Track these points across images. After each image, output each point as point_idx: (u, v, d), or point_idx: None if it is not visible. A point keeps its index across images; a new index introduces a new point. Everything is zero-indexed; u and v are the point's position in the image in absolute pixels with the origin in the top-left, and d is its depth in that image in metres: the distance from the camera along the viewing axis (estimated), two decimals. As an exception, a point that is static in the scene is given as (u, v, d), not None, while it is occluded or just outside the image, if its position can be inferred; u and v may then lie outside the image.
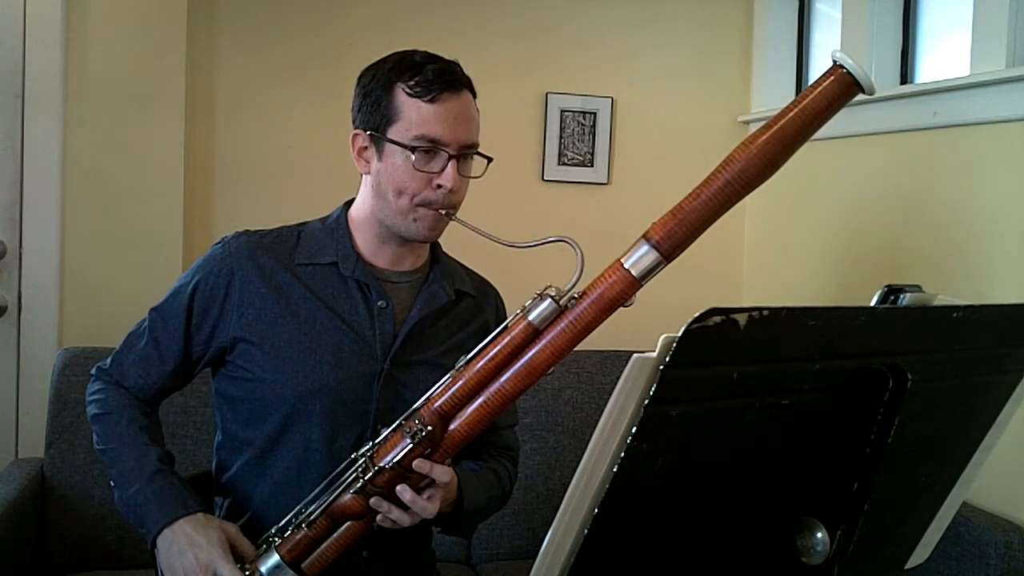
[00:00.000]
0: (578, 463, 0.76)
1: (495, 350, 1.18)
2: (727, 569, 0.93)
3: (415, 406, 1.23)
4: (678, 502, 0.84)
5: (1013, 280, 1.89)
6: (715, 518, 0.89)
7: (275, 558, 1.27)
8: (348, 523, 1.27)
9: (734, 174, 1.03)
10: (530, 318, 1.15)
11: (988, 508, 1.86)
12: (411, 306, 1.44)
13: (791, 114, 1.02)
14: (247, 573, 1.27)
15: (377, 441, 1.25)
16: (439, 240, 1.49)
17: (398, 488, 1.22)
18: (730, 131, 2.87)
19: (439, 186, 1.34)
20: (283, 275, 1.41)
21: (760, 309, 0.74)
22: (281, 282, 1.41)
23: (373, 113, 1.36)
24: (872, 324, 0.86)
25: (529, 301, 1.16)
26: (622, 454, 0.74)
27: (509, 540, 2.32)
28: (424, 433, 1.20)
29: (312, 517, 1.27)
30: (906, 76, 2.35)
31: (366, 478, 1.23)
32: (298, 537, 1.27)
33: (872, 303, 0.93)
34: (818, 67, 2.79)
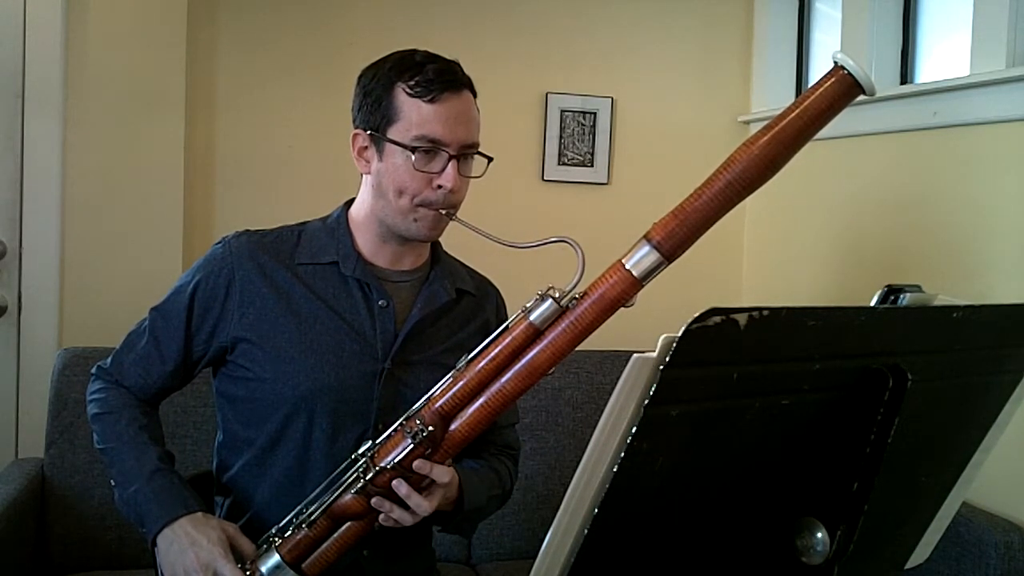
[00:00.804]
0: (578, 463, 0.76)
1: (496, 350, 1.18)
2: (727, 569, 0.93)
3: (416, 406, 1.23)
4: (678, 502, 0.84)
5: (1013, 280, 1.89)
6: (715, 518, 0.89)
7: (275, 558, 1.27)
8: (349, 523, 1.27)
9: (735, 175, 1.03)
10: (531, 318, 1.15)
11: (988, 508, 1.86)
12: (412, 305, 1.44)
13: (792, 115, 1.02)
14: (247, 573, 1.27)
15: (378, 441, 1.25)
16: (440, 239, 1.49)
17: (394, 483, 1.22)
18: (730, 131, 2.87)
19: (439, 186, 1.34)
20: (284, 275, 1.41)
21: (760, 309, 0.74)
22: (282, 282, 1.41)
23: (373, 113, 1.36)
24: (872, 324, 0.86)
25: (530, 301, 1.16)
26: (622, 454, 0.74)
27: (509, 540, 2.32)
28: (425, 433, 1.20)
29: (313, 517, 1.27)
30: (906, 76, 2.35)
31: (367, 478, 1.23)
32: (299, 537, 1.27)
33: (872, 303, 0.93)
34: (818, 67, 2.79)
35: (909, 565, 1.11)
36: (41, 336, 2.31)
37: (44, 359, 2.25)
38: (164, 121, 2.40)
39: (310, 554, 1.28)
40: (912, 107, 2.16)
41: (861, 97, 1.02)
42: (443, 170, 1.33)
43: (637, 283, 1.09)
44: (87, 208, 2.34)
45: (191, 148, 2.47)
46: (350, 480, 1.25)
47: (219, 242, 1.45)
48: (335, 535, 1.27)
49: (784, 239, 2.70)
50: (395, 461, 1.22)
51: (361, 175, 1.44)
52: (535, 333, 1.15)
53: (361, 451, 1.26)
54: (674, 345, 0.71)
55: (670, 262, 1.09)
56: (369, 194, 1.42)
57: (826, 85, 1.01)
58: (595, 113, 2.77)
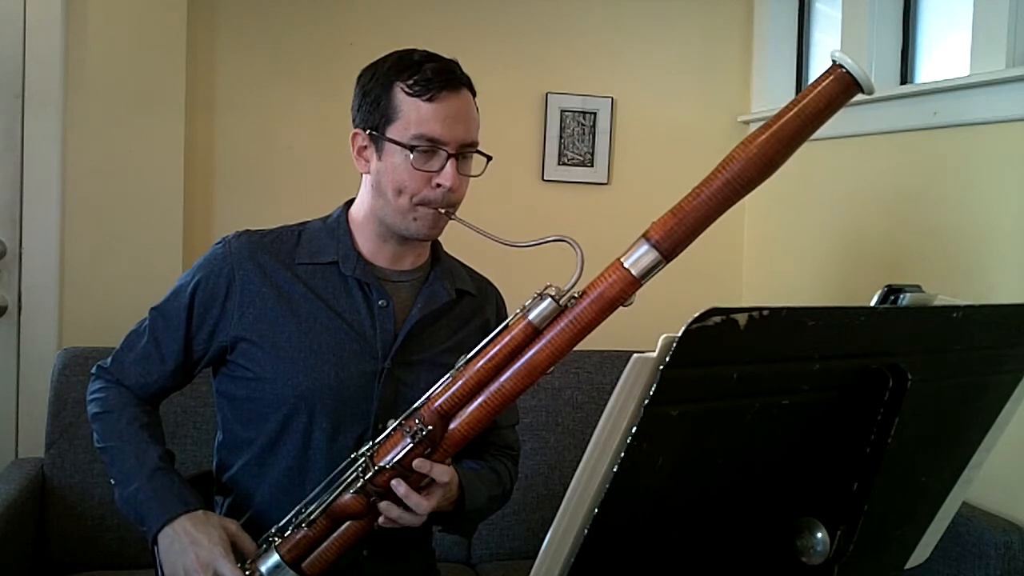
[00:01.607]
0: (578, 463, 0.76)
1: (495, 350, 1.18)
2: (727, 569, 0.93)
3: (415, 405, 1.23)
4: (678, 502, 0.84)
5: (1013, 280, 1.89)
6: (715, 518, 0.89)
7: (275, 558, 1.27)
8: (348, 523, 1.27)
9: (733, 174, 1.03)
10: (530, 317, 1.15)
11: (988, 508, 1.86)
12: (412, 305, 1.44)
13: (790, 114, 1.02)
14: (247, 572, 1.27)
15: (377, 441, 1.25)
16: (440, 239, 1.49)
17: (393, 482, 1.22)
18: (730, 131, 2.87)
19: (438, 185, 1.34)
20: (284, 274, 1.41)
21: (760, 309, 0.74)
22: (282, 281, 1.41)
23: (372, 112, 1.36)
24: (872, 324, 0.86)
25: (529, 300, 1.16)
26: (622, 454, 0.74)
27: (509, 540, 2.32)
28: (424, 432, 1.20)
29: (312, 517, 1.27)
30: (906, 76, 2.35)
31: (366, 478, 1.23)
32: (298, 537, 1.27)
33: (872, 303, 0.93)
34: (818, 67, 2.79)
35: (909, 565, 1.11)
36: (41, 336, 2.31)
37: (44, 359, 2.25)
38: (164, 121, 2.40)
39: (310, 554, 1.28)
40: (912, 107, 2.16)
41: (861, 97, 1.02)
42: (442, 169, 1.33)
43: (636, 282, 1.09)
44: (87, 208, 2.34)
45: (191, 148, 2.47)
46: (349, 479, 1.25)
47: (219, 242, 1.45)
48: (335, 535, 1.27)
49: (784, 239, 2.70)
50: (394, 460, 1.22)
51: (361, 175, 1.44)
52: (534, 332, 1.15)
53: (361, 451, 1.26)
54: (674, 345, 0.71)
55: (669, 261, 1.09)
56: (369, 194, 1.42)
57: (824, 84, 1.01)
58: (595, 113, 2.77)
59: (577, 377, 2.41)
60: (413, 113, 1.33)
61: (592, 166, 2.79)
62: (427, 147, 1.33)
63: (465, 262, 1.58)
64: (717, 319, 0.72)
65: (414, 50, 1.38)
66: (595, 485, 0.76)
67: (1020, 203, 1.89)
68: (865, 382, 0.86)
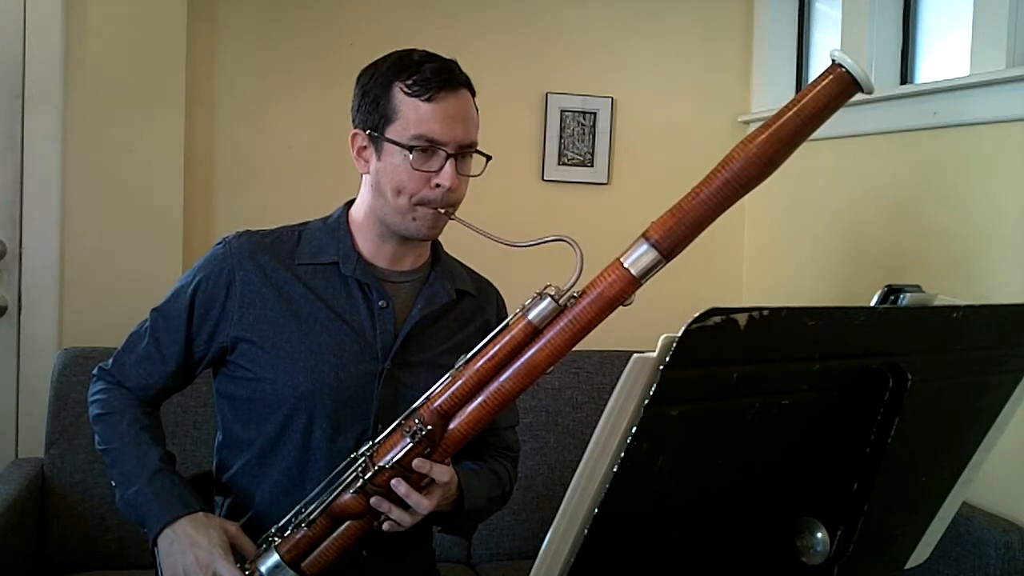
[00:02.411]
0: (578, 463, 0.76)
1: (495, 349, 1.18)
2: (727, 569, 0.93)
3: (415, 405, 1.23)
4: (678, 502, 0.84)
5: (1013, 280, 1.89)
6: (715, 518, 0.89)
7: (275, 558, 1.27)
8: (348, 523, 1.27)
9: (733, 173, 1.03)
10: (529, 317, 1.15)
11: (988, 508, 1.86)
12: (412, 306, 1.44)
13: (790, 113, 1.02)
14: (247, 573, 1.27)
15: (377, 440, 1.25)
16: (440, 239, 1.49)
17: (393, 482, 1.22)
18: (730, 131, 2.87)
19: (437, 185, 1.34)
20: (284, 275, 1.41)
21: (760, 309, 0.74)
22: (282, 282, 1.41)
23: (372, 112, 1.36)
24: (872, 324, 0.86)
25: (529, 300, 1.16)
26: (622, 454, 0.74)
27: (509, 540, 2.32)
28: (424, 432, 1.20)
29: (312, 517, 1.27)
30: (906, 76, 2.35)
31: (366, 477, 1.23)
32: (298, 537, 1.27)
33: (872, 303, 0.93)
34: (818, 67, 2.79)
35: (909, 565, 1.11)
36: (41, 336, 2.31)
37: (44, 359, 2.25)
38: (164, 121, 2.40)
39: (309, 554, 1.28)
40: (912, 107, 2.16)
41: (861, 97, 1.02)
42: (441, 169, 1.33)
43: (635, 281, 1.09)
44: (87, 208, 2.34)
45: (191, 148, 2.47)
46: (349, 479, 1.25)
47: (220, 242, 1.45)
48: (334, 535, 1.27)
49: (784, 239, 2.70)
50: (394, 460, 1.22)
51: (361, 175, 1.44)
52: (534, 332, 1.15)
53: (360, 450, 1.26)
54: (674, 345, 0.71)
55: (668, 260, 1.09)
56: (368, 194, 1.42)
57: (824, 83, 1.01)
58: (595, 113, 2.77)
59: (577, 377, 2.41)
60: (412, 113, 1.33)
61: (592, 166, 2.79)
62: (426, 147, 1.33)
63: (465, 262, 1.58)
64: (717, 319, 0.72)
65: (413, 50, 1.38)
66: (595, 485, 0.76)
67: (1020, 203, 1.89)
68: (865, 382, 0.86)
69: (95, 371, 1.50)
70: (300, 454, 1.40)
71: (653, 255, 1.08)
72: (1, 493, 1.97)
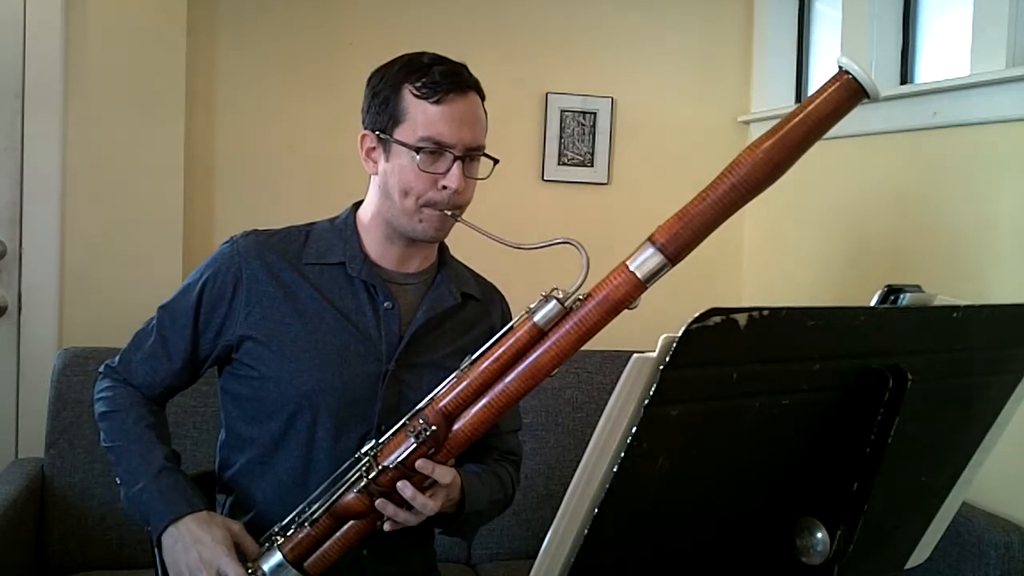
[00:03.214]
0: (578, 463, 0.76)
1: (500, 351, 1.18)
2: (727, 569, 0.93)
3: (419, 406, 1.23)
4: (678, 502, 0.84)
5: (1013, 280, 1.89)
6: (715, 518, 0.89)
7: (278, 557, 1.27)
8: (351, 522, 1.27)
9: (740, 178, 1.04)
10: (535, 319, 1.15)
11: (988, 508, 1.86)
12: (417, 308, 1.44)
13: (797, 119, 1.03)
14: (250, 571, 1.27)
15: (381, 440, 1.26)
16: (447, 243, 1.49)
17: (398, 484, 1.22)
18: (730, 131, 2.87)
19: (444, 187, 1.34)
20: (290, 274, 1.41)
21: (760, 309, 0.74)
22: (288, 281, 1.41)
23: (381, 114, 1.37)
24: (872, 324, 0.86)
25: (534, 302, 1.16)
26: (622, 454, 0.74)
27: (509, 540, 2.32)
28: (428, 433, 1.20)
29: (315, 516, 1.27)
30: (906, 76, 2.35)
31: (369, 477, 1.23)
32: (301, 536, 1.28)
33: (872, 303, 0.93)
34: (818, 67, 2.79)
35: (909, 565, 1.11)
36: (41, 336, 2.31)
37: (44, 359, 2.25)
38: (164, 121, 2.40)
39: (312, 553, 1.28)
40: (912, 107, 2.16)
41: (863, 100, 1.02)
42: (448, 171, 1.34)
43: (641, 285, 1.09)
44: (87, 208, 2.34)
45: (191, 148, 2.47)
46: (353, 479, 1.25)
47: (227, 241, 1.46)
48: (337, 534, 1.27)
49: (784, 239, 2.70)
50: (398, 460, 1.22)
51: (369, 176, 1.44)
52: (539, 334, 1.16)
53: (364, 450, 1.26)
54: (674, 345, 0.71)
55: (674, 264, 1.09)
56: (376, 195, 1.42)
57: (831, 90, 1.02)
58: (595, 113, 2.77)
59: (577, 377, 2.41)
60: (420, 115, 1.33)
61: (592, 166, 2.79)
62: (433, 149, 1.33)
63: (469, 263, 1.58)
64: (717, 319, 0.72)
65: (424, 53, 1.39)
66: (595, 485, 0.76)
67: (1020, 203, 1.89)
68: (865, 382, 0.86)
69: (101, 368, 1.50)
70: (303, 453, 1.40)
71: (659, 259, 1.08)
72: (1, 493, 1.97)
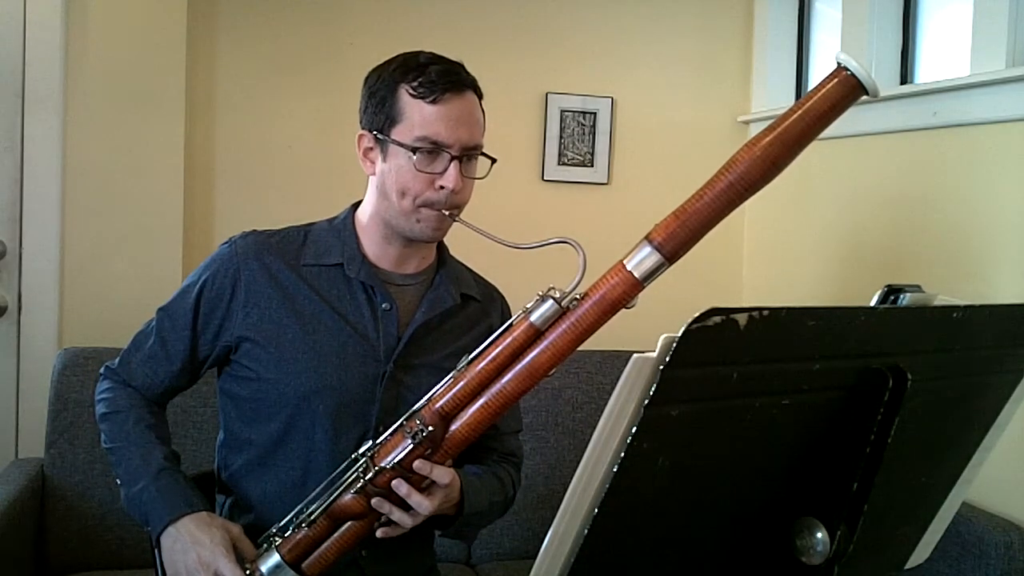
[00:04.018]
0: (578, 463, 0.76)
1: (497, 351, 1.18)
2: (727, 569, 0.93)
3: (416, 406, 1.23)
4: (678, 502, 0.84)
5: (1013, 280, 1.89)
6: (715, 518, 0.89)
7: (276, 558, 1.27)
8: (349, 523, 1.27)
9: (737, 176, 1.03)
10: (532, 319, 1.15)
11: (988, 508, 1.86)
12: (416, 308, 1.44)
13: (795, 116, 1.02)
14: (248, 572, 1.27)
15: (378, 441, 1.25)
16: (446, 243, 1.48)
17: (394, 483, 1.22)
18: (730, 131, 2.87)
19: (441, 187, 1.34)
20: (288, 275, 1.41)
21: (760, 309, 0.74)
22: (286, 282, 1.41)
23: (378, 114, 1.37)
24: (872, 324, 0.86)
25: (531, 302, 1.16)
26: (622, 454, 0.74)
27: (509, 540, 2.32)
28: (425, 433, 1.20)
29: (313, 517, 1.27)
30: (906, 76, 2.35)
31: (367, 478, 1.23)
32: (299, 537, 1.27)
33: (872, 303, 0.93)
34: (818, 67, 2.79)
35: (909, 565, 1.11)
36: (41, 336, 2.31)
37: (44, 359, 2.25)
38: (164, 121, 2.40)
39: (310, 554, 1.28)
40: (912, 107, 2.16)
41: (862, 97, 1.02)
42: (445, 171, 1.33)
43: (638, 284, 1.09)
44: (87, 208, 2.34)
45: (191, 148, 2.47)
46: (350, 480, 1.25)
47: (226, 242, 1.46)
48: (335, 535, 1.27)
49: (784, 239, 2.70)
50: (395, 461, 1.22)
51: (367, 176, 1.44)
52: (536, 334, 1.15)
53: (361, 451, 1.26)
54: (674, 345, 0.71)
55: (671, 263, 1.09)
56: (374, 195, 1.42)
57: (829, 86, 1.01)
58: (595, 113, 2.77)
59: (577, 377, 2.41)
60: (417, 115, 1.33)
61: (592, 166, 2.79)
62: (430, 149, 1.33)
63: (467, 263, 1.58)
64: (717, 319, 0.72)
65: (420, 52, 1.38)
66: (595, 485, 0.76)
67: (1020, 203, 1.89)
68: (865, 382, 0.86)
69: (102, 370, 1.50)
70: (302, 454, 1.40)
71: (656, 258, 1.08)
72: (1, 493, 1.97)
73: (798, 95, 2.79)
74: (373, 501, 1.24)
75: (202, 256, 1.50)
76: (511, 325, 1.18)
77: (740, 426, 0.82)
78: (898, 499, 0.98)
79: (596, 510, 0.76)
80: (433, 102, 1.33)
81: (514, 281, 1.64)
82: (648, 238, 1.08)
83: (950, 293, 0.98)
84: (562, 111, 2.75)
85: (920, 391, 0.86)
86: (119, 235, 2.37)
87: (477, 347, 1.22)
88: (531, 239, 1.25)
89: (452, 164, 1.33)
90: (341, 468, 1.29)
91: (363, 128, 1.41)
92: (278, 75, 2.56)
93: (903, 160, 2.23)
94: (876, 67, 2.34)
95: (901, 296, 0.92)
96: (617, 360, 2.40)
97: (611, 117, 2.78)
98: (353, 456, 1.27)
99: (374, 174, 1.41)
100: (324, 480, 1.33)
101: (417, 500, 1.23)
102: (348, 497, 1.25)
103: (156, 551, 1.34)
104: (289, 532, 1.29)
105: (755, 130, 2.79)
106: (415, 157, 1.33)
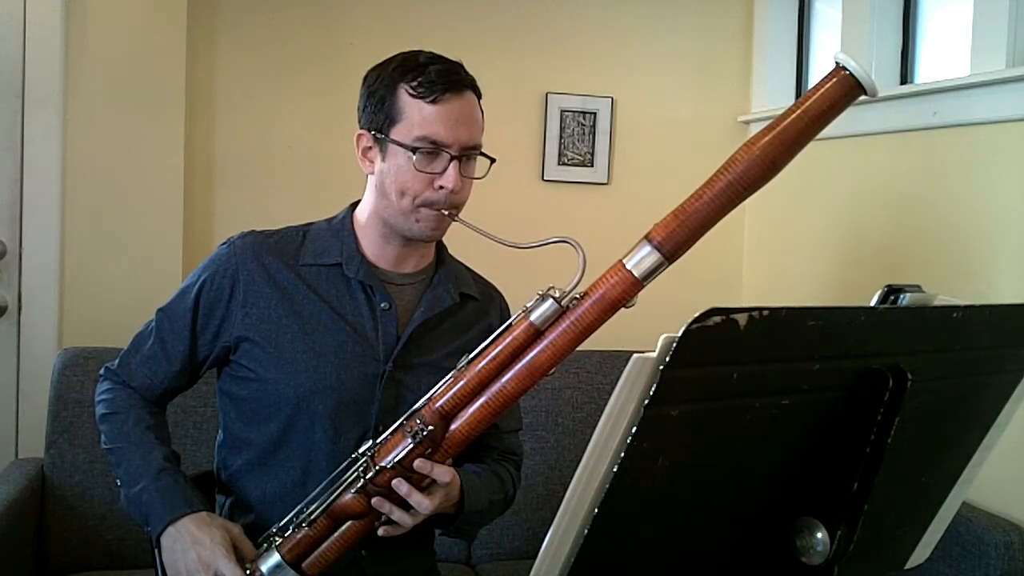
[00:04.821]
0: (578, 463, 0.76)
1: (497, 350, 1.18)
2: (727, 569, 0.93)
3: (416, 406, 1.23)
4: (678, 502, 0.84)
5: (1013, 280, 1.89)
6: (715, 518, 0.89)
7: (276, 557, 1.27)
8: (349, 523, 1.27)
9: (736, 175, 1.03)
10: (532, 318, 1.15)
11: (988, 508, 1.86)
12: (415, 308, 1.44)
13: (793, 116, 1.02)
14: (248, 572, 1.27)
15: (378, 441, 1.25)
16: (446, 243, 1.48)
17: (394, 482, 1.22)
18: (730, 131, 2.87)
19: (441, 187, 1.34)
20: (287, 275, 1.41)
21: (760, 309, 0.74)
22: (285, 282, 1.41)
23: (377, 113, 1.37)
24: (872, 324, 0.86)
25: (531, 301, 1.16)
26: (622, 454, 0.74)
27: (509, 540, 2.32)
28: (425, 432, 1.20)
29: (313, 516, 1.27)
30: (906, 76, 2.35)
31: (367, 477, 1.23)
32: (299, 536, 1.27)
33: (872, 303, 0.93)
34: (818, 67, 2.79)
35: (909, 565, 1.11)
36: (41, 336, 2.31)
37: (44, 359, 2.25)
38: (164, 121, 2.40)
39: (310, 554, 1.28)
40: (912, 107, 2.16)
41: (861, 97, 1.02)
42: (444, 171, 1.33)
43: (638, 283, 1.09)
44: (87, 208, 2.34)
45: (191, 148, 2.47)
46: (350, 479, 1.25)
47: (225, 243, 1.46)
48: (335, 535, 1.27)
49: (784, 239, 2.70)
50: (395, 460, 1.22)
51: (366, 176, 1.44)
52: (535, 333, 1.15)
53: (361, 450, 1.26)
54: (674, 345, 0.71)
55: (671, 263, 1.09)
56: (373, 194, 1.42)
57: (827, 86, 1.01)
58: (595, 113, 2.77)
59: (577, 377, 2.41)
60: (416, 115, 1.33)
61: (592, 166, 2.79)
62: (430, 149, 1.33)
63: (466, 263, 1.58)
64: (717, 319, 0.72)
65: (420, 51, 1.38)
66: (595, 485, 0.76)
67: (1020, 203, 1.89)
68: (865, 382, 0.86)
69: (102, 371, 1.50)
70: (302, 454, 1.40)
71: (656, 257, 1.08)
72: (1, 493, 1.97)
73: (798, 95, 2.79)
74: (373, 500, 1.23)
75: (202, 256, 1.50)
76: (511, 324, 1.18)
77: (740, 426, 0.82)
78: (898, 499, 0.98)
79: (596, 510, 0.76)
80: (433, 102, 1.33)
81: (514, 281, 1.64)
82: (647, 237, 1.08)
83: (950, 293, 0.98)
84: (562, 111, 2.75)
85: (920, 391, 0.86)
86: (119, 235, 2.37)
87: (476, 346, 1.22)
88: (531, 239, 1.25)
89: (451, 164, 1.33)
90: (341, 468, 1.29)
91: (362, 127, 1.41)
92: (278, 75, 2.56)
93: (903, 160, 2.23)
94: (876, 67, 2.34)
95: (901, 296, 0.92)
96: (617, 360, 2.40)
97: (611, 117, 2.78)
98: (353, 456, 1.27)
99: (373, 173, 1.41)
100: (324, 480, 1.33)
101: (417, 499, 1.23)
102: (348, 497, 1.25)
103: (156, 551, 1.34)
104: (289, 532, 1.29)
105: (755, 130, 2.79)
106: (415, 157, 1.33)
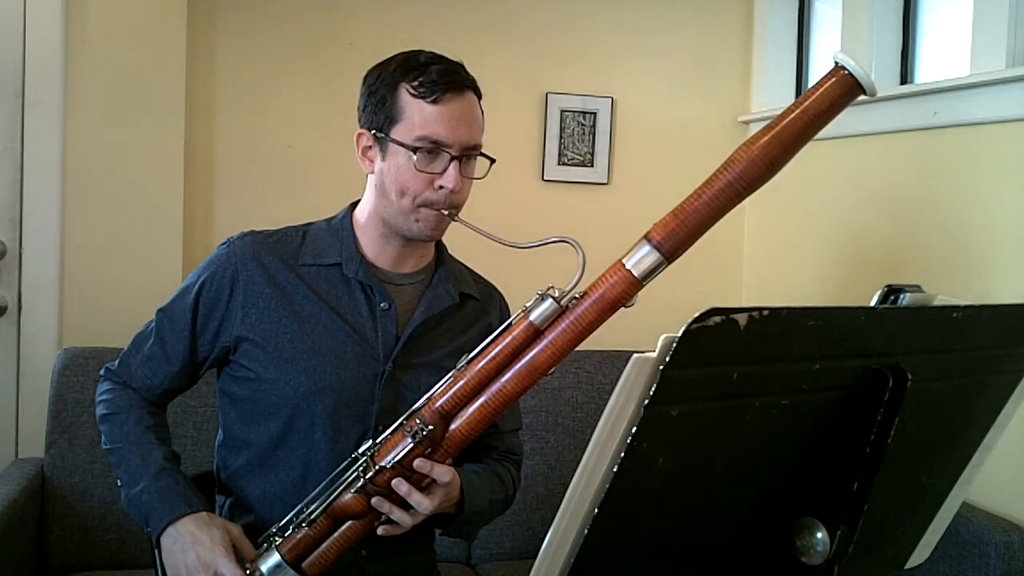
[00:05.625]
0: (578, 463, 0.76)
1: (496, 350, 1.18)
2: (727, 569, 0.93)
3: (416, 405, 1.23)
4: (678, 502, 0.84)
5: (1013, 280, 1.89)
6: (715, 518, 0.89)
7: (276, 557, 1.27)
8: (349, 523, 1.27)
9: (735, 175, 1.03)
10: (531, 318, 1.15)
11: (988, 508, 1.86)
12: (415, 308, 1.44)
13: (792, 115, 1.02)
14: (248, 572, 1.27)
15: (378, 440, 1.26)
16: (445, 243, 1.48)
17: (394, 482, 1.22)
18: (730, 131, 2.87)
19: (441, 187, 1.34)
20: (287, 275, 1.41)
21: (760, 309, 0.74)
22: (285, 282, 1.41)
23: (377, 113, 1.37)
24: (872, 324, 0.86)
25: (531, 301, 1.16)
26: (622, 454, 0.74)
27: (509, 540, 2.32)
28: (425, 432, 1.20)
29: (313, 516, 1.27)
30: (906, 76, 2.35)
31: (367, 477, 1.23)
32: (299, 536, 1.28)
33: (872, 303, 0.93)
34: (818, 67, 2.79)
35: (909, 565, 1.11)
36: (41, 336, 2.31)
37: (44, 359, 2.25)
38: (164, 121, 2.40)
39: (310, 553, 1.28)
40: (912, 107, 2.16)
41: (861, 97, 1.02)
42: (444, 171, 1.33)
43: (637, 283, 1.09)
44: (87, 208, 2.34)
45: (191, 148, 2.47)
46: (350, 479, 1.25)
47: (224, 243, 1.46)
48: (335, 535, 1.27)
49: (784, 239, 2.70)
50: (395, 460, 1.22)
51: (366, 176, 1.44)
52: (535, 333, 1.15)
53: (361, 450, 1.26)
54: (674, 345, 0.71)
55: (670, 262, 1.09)
56: (372, 194, 1.42)
57: (826, 85, 1.01)
58: (595, 113, 2.77)
59: (577, 377, 2.41)
60: (417, 115, 1.33)
61: (592, 166, 2.79)
62: (430, 149, 1.33)
63: (466, 262, 1.58)
64: (717, 319, 0.72)
65: (420, 51, 1.38)
66: (595, 485, 0.76)
67: (1020, 203, 1.89)
68: (865, 382, 0.86)
69: (102, 372, 1.51)
70: (301, 454, 1.40)
71: (655, 257, 1.08)
72: (1, 493, 1.97)
73: (798, 95, 2.79)
74: (373, 500, 1.24)
75: (202, 256, 1.50)
76: (510, 324, 1.18)
77: (740, 426, 0.82)
78: (898, 499, 0.98)
79: (596, 510, 0.76)
80: (434, 102, 1.33)
81: (514, 281, 1.64)
82: (647, 237, 1.08)
83: (950, 293, 0.98)
84: (562, 111, 2.75)
85: (920, 391, 0.86)
86: (119, 235, 2.37)
87: (476, 346, 1.22)
88: (531, 239, 1.25)
89: (452, 164, 1.33)
90: (341, 468, 1.29)
91: (362, 127, 1.41)
92: (278, 75, 2.56)
93: (903, 160, 2.23)
94: (876, 67, 2.34)
95: (901, 296, 0.92)
96: (617, 360, 2.40)
97: (611, 117, 2.78)
98: (353, 455, 1.27)
99: (373, 173, 1.41)
100: (324, 480, 1.33)
101: (417, 499, 1.23)
102: (348, 496, 1.25)
103: (156, 551, 1.34)
104: (289, 532, 1.29)
105: (755, 130, 2.78)
106: (415, 157, 1.33)
